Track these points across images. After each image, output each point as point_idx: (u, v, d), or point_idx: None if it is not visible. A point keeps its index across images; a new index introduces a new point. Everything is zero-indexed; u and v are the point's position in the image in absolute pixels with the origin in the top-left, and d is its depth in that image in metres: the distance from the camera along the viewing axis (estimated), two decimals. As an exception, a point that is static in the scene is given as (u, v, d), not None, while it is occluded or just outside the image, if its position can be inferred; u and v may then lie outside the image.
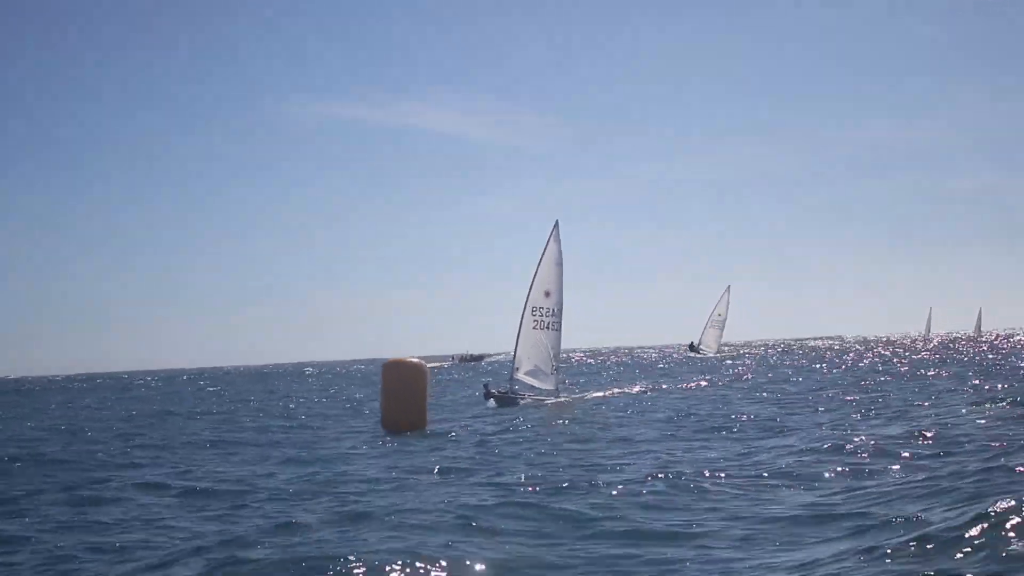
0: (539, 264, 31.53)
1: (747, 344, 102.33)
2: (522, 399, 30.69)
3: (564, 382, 34.17)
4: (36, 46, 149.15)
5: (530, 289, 31.34)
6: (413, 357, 24.60)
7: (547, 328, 31.59)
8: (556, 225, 31.77)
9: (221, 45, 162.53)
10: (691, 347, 71.70)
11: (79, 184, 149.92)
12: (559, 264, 31.78)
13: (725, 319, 69.37)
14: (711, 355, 66.47)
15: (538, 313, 31.43)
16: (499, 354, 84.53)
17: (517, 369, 31.21)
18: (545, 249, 31.61)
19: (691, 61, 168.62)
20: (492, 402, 30.39)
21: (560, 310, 31.89)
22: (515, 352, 31.17)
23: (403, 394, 22.52)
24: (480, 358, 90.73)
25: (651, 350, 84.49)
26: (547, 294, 31.57)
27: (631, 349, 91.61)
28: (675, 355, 74.84)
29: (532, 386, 31.33)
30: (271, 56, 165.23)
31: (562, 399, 31.37)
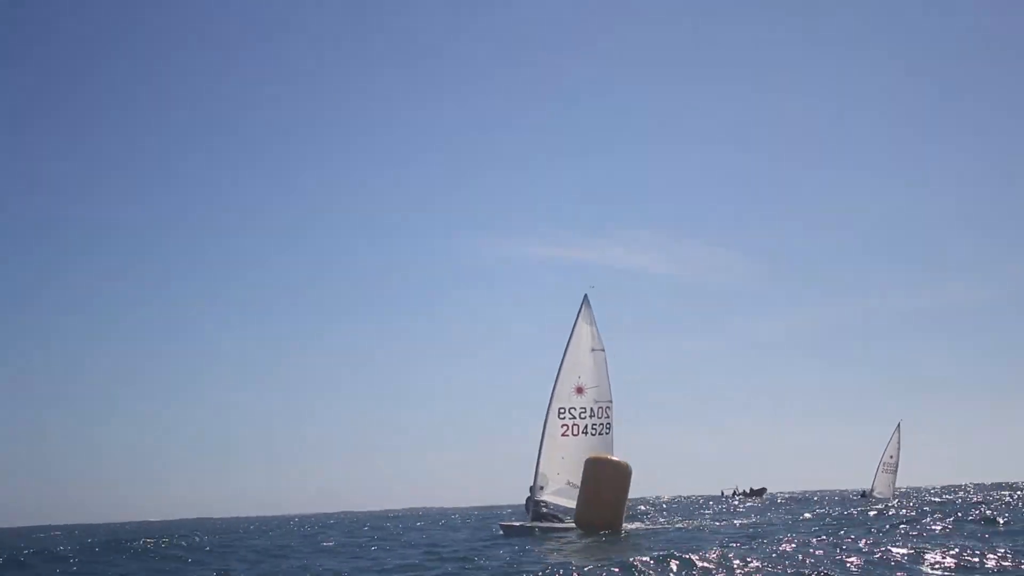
0: (565, 354, 24.90)
1: (922, 489, 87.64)
2: (556, 523, 24.16)
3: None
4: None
5: (554, 386, 24.76)
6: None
7: (583, 433, 24.83)
8: (585, 300, 25.09)
9: (415, 190, 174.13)
10: (862, 495, 62.74)
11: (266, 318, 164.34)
12: (595, 350, 25.03)
13: (898, 462, 60.44)
14: (884, 498, 56.24)
15: (567, 415, 24.81)
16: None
17: (542, 488, 24.64)
18: (572, 333, 24.97)
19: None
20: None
21: (606, 409, 25.02)
22: (537, 466, 24.60)
23: (603, 491, 22.65)
24: (761, 492, 75.66)
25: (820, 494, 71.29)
26: (579, 390, 24.87)
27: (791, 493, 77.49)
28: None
29: (564, 507, 24.67)
30: (454, 197, 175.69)
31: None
